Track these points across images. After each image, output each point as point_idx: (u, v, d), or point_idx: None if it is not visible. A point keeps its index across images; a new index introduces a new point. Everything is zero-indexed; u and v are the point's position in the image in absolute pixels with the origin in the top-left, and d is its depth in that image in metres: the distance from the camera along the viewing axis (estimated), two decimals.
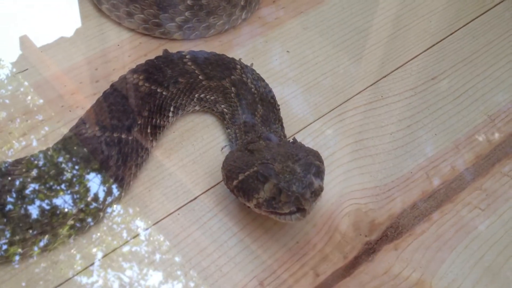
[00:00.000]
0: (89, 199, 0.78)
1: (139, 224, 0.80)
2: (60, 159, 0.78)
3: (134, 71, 0.90)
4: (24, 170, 0.76)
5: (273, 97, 0.92)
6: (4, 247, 0.74)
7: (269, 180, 0.73)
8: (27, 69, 0.95)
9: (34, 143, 0.87)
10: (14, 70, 0.95)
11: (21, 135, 0.88)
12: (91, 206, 0.78)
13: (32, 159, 0.78)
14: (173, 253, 0.78)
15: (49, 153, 0.79)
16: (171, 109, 0.90)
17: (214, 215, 0.82)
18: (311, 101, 0.97)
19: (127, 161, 0.82)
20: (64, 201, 0.76)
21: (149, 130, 0.86)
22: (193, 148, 0.89)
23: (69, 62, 0.97)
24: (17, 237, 0.74)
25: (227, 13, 1.04)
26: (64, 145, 0.80)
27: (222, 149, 0.89)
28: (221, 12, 1.03)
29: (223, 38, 1.05)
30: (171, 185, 0.84)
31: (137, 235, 0.79)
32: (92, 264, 0.76)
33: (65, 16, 1.05)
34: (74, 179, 0.77)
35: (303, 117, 0.95)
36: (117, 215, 0.81)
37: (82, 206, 0.77)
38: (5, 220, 0.73)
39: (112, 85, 0.88)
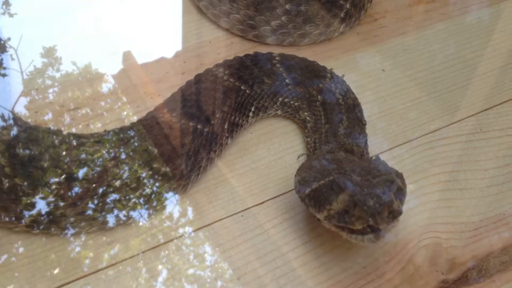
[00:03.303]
0: (148, 190, 0.74)
1: (200, 220, 0.76)
2: (128, 141, 0.76)
3: (220, 65, 0.87)
4: (89, 152, 0.74)
5: (360, 111, 0.86)
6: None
7: (344, 191, 0.67)
8: (116, 53, 0.95)
9: (112, 125, 0.85)
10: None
11: (98, 115, 0.87)
12: (151, 196, 0.75)
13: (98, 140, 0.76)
14: (230, 254, 0.73)
15: (115, 138, 0.76)
16: (252, 109, 0.86)
17: (278, 223, 0.76)
18: (402, 123, 0.90)
19: (199, 152, 0.78)
20: (124, 188, 0.73)
21: (226, 126, 0.82)
22: (268, 152, 0.85)
23: (156, 52, 0.96)
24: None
25: (325, 23, 1.00)
26: (136, 129, 0.78)
27: (298, 157, 0.84)
28: (319, 21, 0.99)
29: (317, 49, 1.01)
30: (238, 185, 0.80)
31: (196, 230, 0.75)
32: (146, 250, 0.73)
33: (162, 8, 1.05)
34: (142, 162, 0.74)
35: (390, 138, 0.88)
36: (179, 208, 0.77)
37: (142, 193, 0.74)
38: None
39: (196, 76, 0.86)
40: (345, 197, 0.66)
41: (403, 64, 1.00)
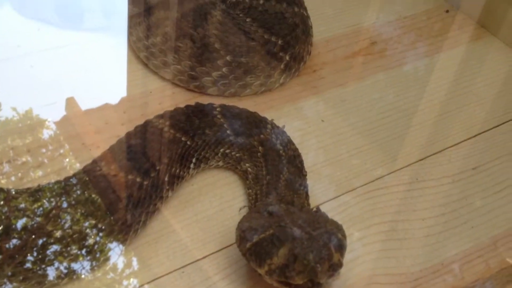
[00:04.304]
0: (88, 243, 0.72)
1: (141, 276, 0.74)
2: (65, 196, 0.73)
3: (160, 116, 0.86)
4: (28, 202, 0.72)
5: (301, 162, 0.87)
6: None
7: (285, 245, 0.67)
8: (55, 103, 0.94)
9: (48, 176, 0.83)
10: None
11: (36, 166, 0.84)
12: (88, 251, 0.72)
13: (38, 192, 0.74)
14: None
15: (56, 187, 0.74)
16: (193, 160, 0.86)
17: (220, 279, 0.75)
18: (341, 173, 0.92)
19: (138, 207, 0.77)
20: (61, 242, 0.70)
21: (166, 179, 0.81)
22: (210, 204, 0.84)
23: (97, 101, 0.95)
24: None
25: (265, 74, 1.01)
26: (75, 181, 0.76)
27: (240, 209, 0.84)
28: (259, 72, 1.00)
29: (258, 99, 1.02)
30: (180, 239, 0.78)
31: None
32: None
33: (106, 59, 1.04)
34: (75, 220, 0.72)
35: (329, 188, 0.89)
36: (116, 265, 0.74)
37: (79, 249, 0.71)
38: None
39: (136, 127, 0.85)
40: (285, 250, 0.66)
41: (342, 114, 1.02)
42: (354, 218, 0.85)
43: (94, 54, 1.04)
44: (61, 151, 0.85)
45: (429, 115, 1.06)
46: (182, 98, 0.99)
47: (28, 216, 0.69)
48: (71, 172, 0.79)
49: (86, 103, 0.94)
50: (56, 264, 0.70)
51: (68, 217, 0.70)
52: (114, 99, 0.96)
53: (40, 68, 0.99)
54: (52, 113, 0.91)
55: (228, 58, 0.98)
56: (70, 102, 0.94)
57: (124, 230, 0.75)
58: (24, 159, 0.84)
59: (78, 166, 0.83)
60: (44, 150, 0.85)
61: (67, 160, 0.85)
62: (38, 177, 0.82)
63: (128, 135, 0.83)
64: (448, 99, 1.09)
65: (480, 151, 1.00)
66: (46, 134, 0.88)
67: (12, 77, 0.97)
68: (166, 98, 0.98)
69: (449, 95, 1.10)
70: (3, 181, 0.79)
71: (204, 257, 0.77)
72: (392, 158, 0.96)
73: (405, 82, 1.11)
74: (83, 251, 0.71)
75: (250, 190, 0.85)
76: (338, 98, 1.05)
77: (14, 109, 0.91)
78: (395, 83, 1.11)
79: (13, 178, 0.81)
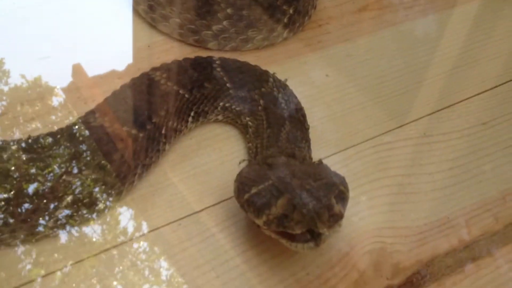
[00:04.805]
0: (85, 192, 0.70)
1: (135, 228, 0.72)
2: (61, 143, 0.72)
3: (157, 68, 0.84)
4: (20, 150, 0.70)
5: (303, 115, 0.84)
6: None
7: (284, 195, 0.64)
8: (48, 57, 0.91)
9: (42, 129, 0.81)
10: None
11: (29, 120, 0.82)
12: (85, 200, 0.71)
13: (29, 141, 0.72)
14: (167, 264, 0.69)
15: (49, 138, 0.72)
16: (191, 114, 0.83)
17: (219, 231, 0.73)
18: (346, 128, 0.89)
19: (133, 159, 0.74)
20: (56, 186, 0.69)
21: (163, 132, 0.79)
22: (209, 158, 0.81)
23: (93, 55, 0.92)
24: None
25: (268, 28, 0.97)
26: (69, 131, 0.74)
27: (239, 163, 0.81)
28: (262, 26, 0.97)
29: (260, 54, 0.99)
30: (177, 192, 0.76)
31: (130, 240, 0.71)
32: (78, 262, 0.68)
33: (99, 11, 1.01)
34: (72, 167, 0.70)
35: (334, 143, 0.86)
36: (112, 215, 0.73)
37: (77, 196, 0.70)
38: None
39: (131, 79, 0.82)
40: (283, 201, 0.64)
41: (347, 70, 0.99)
42: (358, 172, 0.83)
43: (89, 8, 1.01)
44: (70, 118, 0.83)
45: (439, 70, 1.02)
46: (181, 53, 0.96)
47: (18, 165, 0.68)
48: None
49: (83, 56, 0.92)
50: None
51: (59, 166, 0.69)
52: (108, 53, 0.93)
53: (36, 22, 0.97)
54: (48, 67, 0.89)
55: (228, 11, 0.94)
56: (64, 54, 0.92)
57: (120, 181, 0.72)
58: (34, 125, 0.82)
59: (73, 120, 0.81)
60: (53, 117, 0.83)
61: (63, 114, 0.83)
62: (47, 142, 0.79)
63: (123, 87, 0.81)
64: (459, 54, 1.05)
65: (490, 106, 0.96)
66: (55, 101, 0.86)
67: (18, 44, 0.95)
68: (165, 52, 0.96)
69: (460, 50, 1.06)
70: (13, 148, 0.77)
71: (202, 210, 0.75)
72: (398, 113, 0.93)
73: (414, 38, 1.07)
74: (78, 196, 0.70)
75: (250, 144, 0.82)
76: (343, 53, 1.02)
77: (23, 76, 0.89)
78: (404, 38, 1.07)
79: (23, 144, 0.79)
